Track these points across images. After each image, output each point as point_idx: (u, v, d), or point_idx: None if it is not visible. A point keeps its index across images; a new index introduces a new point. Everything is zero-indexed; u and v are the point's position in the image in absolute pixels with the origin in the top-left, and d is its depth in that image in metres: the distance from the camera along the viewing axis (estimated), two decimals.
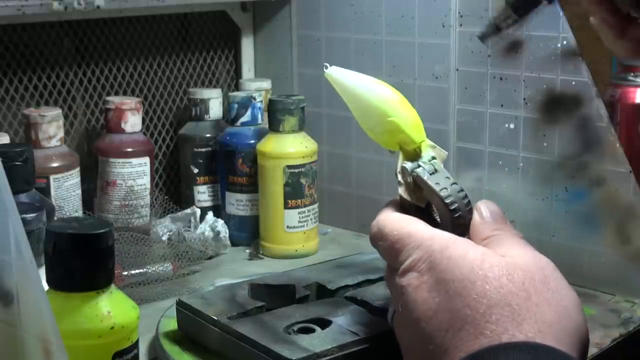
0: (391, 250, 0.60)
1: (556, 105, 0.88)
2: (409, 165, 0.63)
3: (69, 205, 0.94)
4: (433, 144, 0.65)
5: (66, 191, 0.94)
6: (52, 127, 0.93)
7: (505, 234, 0.60)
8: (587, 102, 0.86)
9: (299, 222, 1.01)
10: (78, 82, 1.06)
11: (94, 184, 1.02)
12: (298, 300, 0.75)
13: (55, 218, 0.83)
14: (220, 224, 1.01)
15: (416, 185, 0.63)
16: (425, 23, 0.98)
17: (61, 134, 0.95)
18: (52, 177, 0.92)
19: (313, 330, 0.68)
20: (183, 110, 1.16)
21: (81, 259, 0.54)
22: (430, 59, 0.98)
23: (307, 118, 1.02)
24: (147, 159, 1.02)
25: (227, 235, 1.01)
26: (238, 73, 1.21)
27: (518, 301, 0.53)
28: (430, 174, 0.62)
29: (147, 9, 1.07)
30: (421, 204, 0.64)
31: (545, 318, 0.52)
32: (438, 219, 0.63)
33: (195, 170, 1.09)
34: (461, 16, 0.95)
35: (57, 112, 0.95)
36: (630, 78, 1.16)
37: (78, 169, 0.96)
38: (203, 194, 1.09)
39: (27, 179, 0.79)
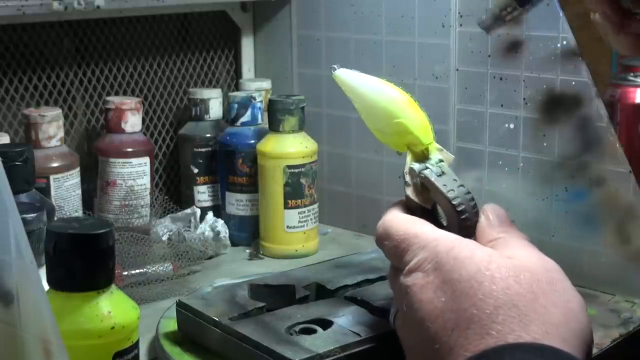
0: (396, 250, 0.60)
1: (556, 105, 0.88)
2: (416, 166, 0.64)
3: (69, 205, 0.94)
4: (440, 146, 0.65)
5: (66, 191, 0.94)
6: (52, 127, 0.93)
7: (511, 236, 0.60)
8: (587, 102, 0.86)
9: (299, 222, 1.01)
10: (78, 82, 1.06)
11: (94, 184, 1.02)
12: (298, 301, 0.75)
13: (55, 218, 0.83)
14: (220, 224, 1.01)
15: (423, 186, 0.63)
16: (425, 23, 0.98)
17: (61, 134, 0.95)
18: (52, 177, 0.92)
19: (315, 331, 0.68)
20: (183, 110, 1.16)
21: (82, 259, 0.54)
22: (430, 59, 0.98)
23: (307, 118, 1.02)
24: (147, 159, 1.02)
25: (227, 235, 1.01)
26: (238, 73, 1.21)
27: (525, 302, 0.53)
28: (438, 176, 0.63)
29: (147, 9, 1.07)
30: (427, 205, 0.64)
31: (551, 319, 0.52)
32: (443, 222, 0.64)
33: (195, 170, 1.09)
34: (461, 16, 0.95)
35: (57, 112, 0.95)
36: (630, 78, 1.16)
37: (78, 169, 0.96)
38: (203, 194, 1.09)
39: (27, 179, 0.79)
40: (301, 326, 0.69)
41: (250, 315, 0.71)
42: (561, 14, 0.86)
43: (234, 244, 1.03)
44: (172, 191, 1.15)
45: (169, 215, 1.02)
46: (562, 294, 0.55)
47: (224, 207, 1.07)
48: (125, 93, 1.10)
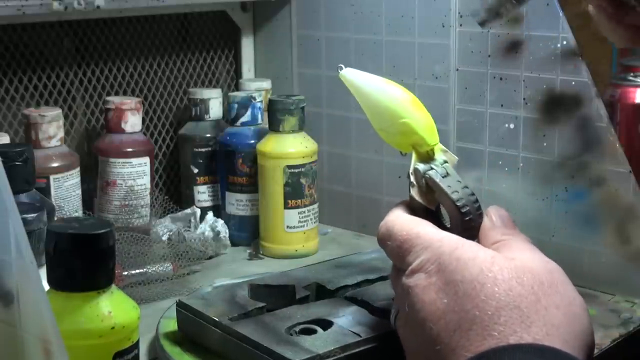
0: (399, 250, 0.60)
1: (556, 105, 0.88)
2: (421, 167, 0.64)
3: (69, 205, 0.94)
4: (445, 148, 0.66)
5: (66, 191, 0.94)
6: (52, 127, 0.93)
7: (514, 239, 0.60)
8: (587, 102, 0.86)
9: (299, 222, 1.01)
10: (78, 82, 1.06)
11: (94, 184, 1.02)
12: (298, 301, 0.75)
13: (55, 218, 0.83)
14: (220, 224, 1.01)
15: (428, 187, 0.64)
16: (425, 23, 0.98)
17: (61, 134, 0.95)
18: (52, 177, 0.92)
19: (315, 331, 0.68)
20: (183, 110, 1.16)
21: (82, 259, 0.54)
22: (430, 59, 0.98)
23: (307, 118, 1.02)
24: (147, 159, 1.02)
25: (227, 235, 1.01)
26: (238, 73, 1.21)
27: (527, 304, 0.53)
28: (443, 177, 0.63)
29: (147, 9, 1.07)
30: (431, 206, 0.64)
31: (553, 321, 0.53)
32: (446, 223, 0.64)
33: (195, 170, 1.09)
34: (461, 16, 0.95)
35: (57, 112, 0.95)
36: (630, 78, 1.16)
37: (78, 169, 0.96)
38: (203, 194, 1.09)
39: (27, 179, 0.79)
40: (301, 326, 0.69)
41: (250, 316, 0.71)
42: (561, 14, 0.86)
43: (234, 244, 1.03)
44: (172, 191, 1.15)
45: (169, 215, 1.02)
46: (564, 296, 0.55)
47: (224, 207, 1.07)
48: (125, 93, 1.10)
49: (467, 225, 0.62)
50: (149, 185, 1.02)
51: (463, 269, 0.55)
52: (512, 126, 0.92)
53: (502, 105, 0.93)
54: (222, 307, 0.72)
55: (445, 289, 0.55)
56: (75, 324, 0.54)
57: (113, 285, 0.57)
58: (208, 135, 1.08)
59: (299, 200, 1.00)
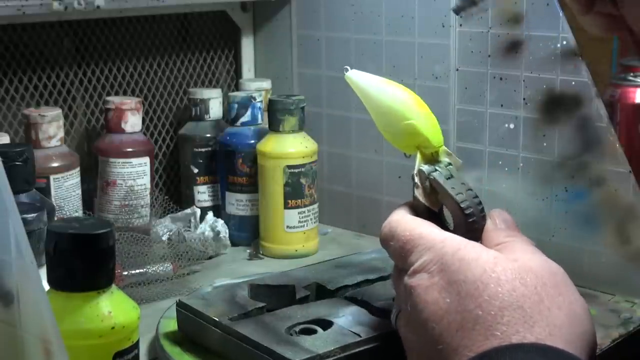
0: (402, 250, 0.60)
1: (556, 105, 0.88)
2: (426, 168, 0.64)
3: (69, 205, 0.94)
4: (449, 151, 0.66)
5: (66, 191, 0.94)
6: (52, 127, 0.93)
7: (517, 241, 0.61)
8: (587, 102, 0.86)
9: (299, 222, 1.01)
10: (78, 82, 1.06)
11: (94, 184, 1.02)
12: (298, 301, 0.75)
13: (56, 218, 0.83)
14: (220, 224, 1.01)
15: (432, 188, 0.64)
16: (425, 23, 0.98)
17: (61, 134, 0.95)
18: (52, 177, 0.92)
19: (315, 331, 0.68)
20: (183, 110, 1.16)
21: (82, 259, 0.54)
22: (430, 59, 0.98)
23: (307, 118, 1.02)
24: (147, 159, 1.02)
25: (227, 235, 1.01)
26: (238, 73, 1.21)
27: (530, 304, 0.53)
28: (447, 179, 0.63)
29: (147, 9, 1.07)
30: (435, 208, 0.64)
31: (556, 322, 0.53)
32: (449, 225, 0.64)
33: (195, 170, 1.09)
34: (461, 16, 0.95)
35: (57, 112, 0.95)
36: (630, 78, 1.16)
37: (78, 169, 0.96)
38: (203, 194, 1.09)
39: (27, 179, 0.79)
40: (301, 326, 0.69)
41: (251, 316, 0.71)
42: (561, 14, 0.86)
43: (234, 244, 1.03)
44: (172, 191, 1.15)
45: (169, 215, 1.02)
46: (567, 298, 0.55)
47: (224, 207, 1.07)
48: (125, 93, 1.10)
49: (471, 227, 0.62)
50: (149, 185, 1.02)
51: (466, 269, 0.56)
52: (512, 126, 0.92)
53: (502, 105, 0.93)
54: (222, 307, 0.72)
55: (448, 289, 0.55)
56: (75, 324, 0.54)
57: (113, 285, 0.57)
58: (208, 135, 1.08)
59: (299, 200, 1.00)
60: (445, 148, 0.66)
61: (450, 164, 0.65)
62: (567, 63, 0.86)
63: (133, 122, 1.01)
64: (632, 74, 1.16)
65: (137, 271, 0.89)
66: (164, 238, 0.97)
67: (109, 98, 1.02)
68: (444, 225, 0.64)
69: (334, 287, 0.77)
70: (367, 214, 1.09)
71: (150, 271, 0.90)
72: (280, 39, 1.16)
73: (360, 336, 0.67)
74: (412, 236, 0.60)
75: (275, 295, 0.76)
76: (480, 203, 0.63)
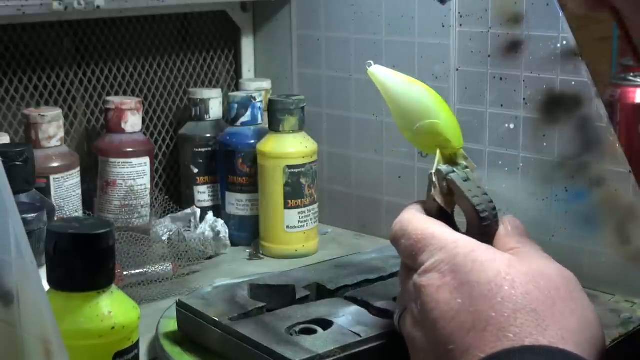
0: (412, 249, 0.60)
1: (556, 105, 0.88)
2: (444, 168, 0.64)
3: (69, 205, 0.94)
4: (466, 154, 0.66)
5: (66, 191, 0.94)
6: (52, 127, 0.93)
7: (529, 247, 0.61)
8: (587, 102, 0.86)
9: (299, 222, 1.01)
10: (78, 82, 1.06)
11: (94, 184, 1.02)
12: (298, 301, 0.75)
13: (56, 218, 0.83)
14: (220, 224, 1.01)
15: (448, 189, 0.64)
16: (425, 23, 0.98)
17: (61, 134, 0.95)
18: (52, 177, 0.92)
19: (315, 331, 0.68)
20: (183, 110, 1.16)
21: (82, 259, 0.54)
22: (430, 59, 0.98)
23: (307, 118, 1.02)
24: (147, 159, 1.02)
25: (227, 235, 1.01)
26: (238, 73, 1.21)
27: (543, 308, 0.54)
28: (464, 181, 0.63)
29: (147, 9, 1.07)
30: (449, 209, 0.64)
31: (568, 326, 0.53)
32: (460, 228, 0.64)
33: (195, 170, 1.09)
34: (461, 16, 0.95)
35: (57, 112, 0.95)
36: (630, 78, 1.16)
37: (78, 169, 0.96)
38: (203, 194, 1.09)
39: (27, 179, 0.79)
40: (301, 326, 0.69)
41: (251, 316, 0.71)
42: (561, 14, 0.86)
43: (234, 244, 1.03)
44: (172, 191, 1.15)
45: (169, 215, 1.02)
46: (579, 303, 0.56)
47: (224, 207, 1.07)
48: (125, 93, 1.10)
49: (484, 230, 0.62)
50: (149, 185, 1.02)
51: (480, 271, 0.56)
52: (512, 126, 0.92)
53: (502, 105, 0.93)
54: (222, 307, 0.72)
55: (460, 290, 0.56)
56: (75, 324, 0.54)
57: (113, 285, 0.57)
58: (208, 135, 1.08)
59: (299, 200, 1.00)
60: (463, 151, 0.66)
61: (466, 166, 0.65)
62: (567, 63, 0.86)
63: (133, 122, 1.01)
64: (632, 74, 1.16)
65: (137, 271, 0.89)
66: (164, 238, 0.97)
67: (109, 98, 1.02)
68: (455, 227, 0.64)
69: (334, 287, 0.77)
70: (367, 214, 1.09)
71: (150, 271, 0.90)
72: (280, 39, 1.16)
73: (361, 336, 0.67)
74: (424, 235, 0.60)
75: (275, 295, 0.76)
76: (494, 208, 0.63)
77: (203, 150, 1.08)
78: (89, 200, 1.01)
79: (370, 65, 0.68)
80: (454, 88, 0.97)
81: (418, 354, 0.59)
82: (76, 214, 0.95)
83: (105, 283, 0.56)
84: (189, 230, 1.00)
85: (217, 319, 0.70)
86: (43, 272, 0.54)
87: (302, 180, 1.00)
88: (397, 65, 1.02)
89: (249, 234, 1.05)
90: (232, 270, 0.96)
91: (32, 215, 0.68)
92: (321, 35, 1.10)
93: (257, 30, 1.20)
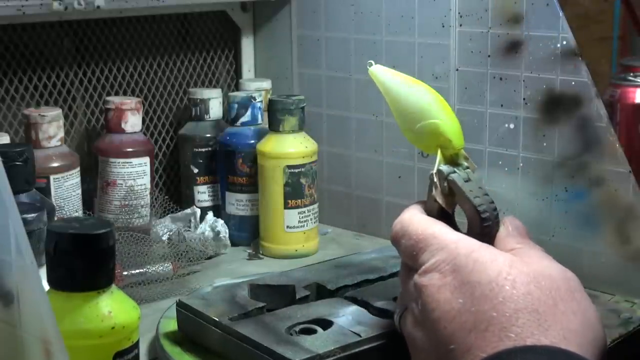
0: (413, 249, 0.60)
1: (556, 105, 0.88)
2: (445, 168, 0.64)
3: (69, 205, 0.94)
4: (467, 155, 0.66)
5: (66, 191, 0.94)
6: (52, 127, 0.93)
7: (530, 247, 0.61)
8: (587, 102, 0.86)
9: (299, 222, 1.01)
10: (78, 82, 1.06)
11: (94, 184, 1.02)
12: (298, 301, 0.75)
13: (56, 218, 0.83)
14: (220, 224, 1.01)
15: (449, 189, 0.64)
16: (425, 23, 0.98)
17: (61, 134, 0.95)
18: (52, 177, 0.92)
19: (315, 331, 0.68)
20: (183, 110, 1.16)
21: (82, 258, 0.54)
22: (430, 59, 0.98)
23: (307, 118, 1.02)
24: (147, 159, 1.02)
25: (227, 235, 1.01)
26: (238, 73, 1.21)
27: (545, 308, 0.54)
28: (465, 181, 0.63)
29: (147, 9, 1.07)
30: (450, 209, 0.64)
31: (570, 326, 0.53)
32: (460, 228, 0.64)
33: (195, 170, 1.09)
34: (461, 16, 0.95)
35: (57, 112, 0.95)
36: (630, 78, 1.16)
37: (78, 169, 0.96)
38: (203, 194, 1.09)
39: (28, 179, 0.79)
40: (301, 326, 0.69)
41: (251, 316, 0.71)
42: (561, 14, 0.86)
43: (234, 244, 1.03)
44: (172, 191, 1.15)
45: (169, 215, 1.02)
46: (580, 303, 0.56)
47: (224, 207, 1.07)
48: (125, 93, 1.10)
49: (485, 230, 0.62)
50: (149, 185, 1.02)
51: (481, 271, 0.56)
52: (512, 126, 0.92)
53: (502, 105, 0.93)
54: (222, 307, 0.72)
55: (461, 289, 0.56)
56: (75, 324, 0.54)
57: (113, 285, 0.57)
58: (208, 135, 1.08)
59: (299, 200, 1.00)
60: (464, 152, 0.66)
61: (467, 167, 0.65)
62: (567, 63, 0.86)
63: (133, 122, 1.01)
64: (632, 74, 1.16)
65: (137, 271, 0.89)
66: (164, 238, 0.97)
67: (109, 98, 1.02)
68: (455, 228, 0.64)
69: (334, 287, 0.77)
70: (367, 214, 1.09)
71: (150, 271, 0.90)
72: (280, 39, 1.16)
73: (361, 336, 0.67)
74: (425, 235, 0.60)
75: (275, 295, 0.76)
76: (495, 209, 0.63)
77: (203, 150, 1.08)
78: (89, 200, 1.01)
79: (371, 65, 0.68)
80: (454, 88, 0.97)
81: (419, 354, 0.59)
82: (76, 214, 0.95)
83: (105, 283, 0.56)
84: (189, 230, 1.00)
85: (217, 319, 0.70)
86: (43, 272, 0.54)
87: (302, 180, 1.00)
88: (397, 65, 1.02)
89: (249, 234, 1.05)
90: (232, 270, 0.96)
91: (32, 215, 0.68)
92: (321, 35, 1.10)
93: (257, 30, 1.20)
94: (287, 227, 1.01)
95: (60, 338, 0.46)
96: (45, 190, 0.91)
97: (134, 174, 1.00)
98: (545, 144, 0.90)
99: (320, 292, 0.77)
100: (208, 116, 1.09)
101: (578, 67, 0.86)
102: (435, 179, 0.64)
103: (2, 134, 0.93)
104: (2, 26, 0.97)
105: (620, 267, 0.86)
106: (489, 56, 0.93)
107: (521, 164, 0.92)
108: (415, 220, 0.62)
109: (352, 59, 1.06)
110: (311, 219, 1.02)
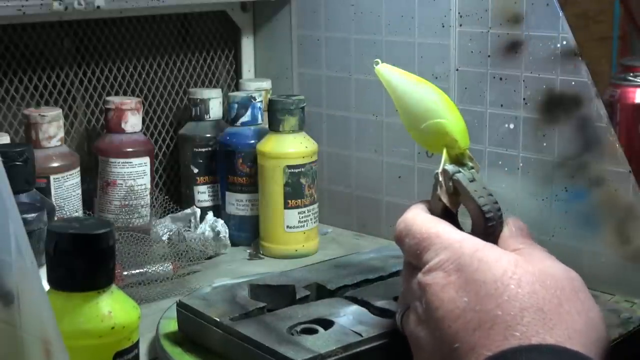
0: (417, 248, 0.60)
1: (556, 105, 0.88)
2: (450, 168, 0.64)
3: (69, 205, 0.94)
4: (471, 155, 0.66)
5: (66, 191, 0.94)
6: (52, 127, 0.93)
7: (533, 247, 0.61)
8: (586, 102, 0.86)
9: (299, 222, 1.01)
10: (78, 82, 1.06)
11: (94, 184, 1.02)
12: (298, 301, 0.75)
13: (56, 218, 0.83)
14: (220, 224, 1.01)
15: (454, 189, 0.64)
16: (425, 23, 0.98)
17: (61, 134, 0.95)
18: (52, 177, 0.92)
19: (316, 331, 0.68)
20: (183, 110, 1.16)
21: (82, 258, 0.54)
22: (430, 59, 0.98)
23: (307, 118, 1.02)
24: (147, 159, 1.02)
25: (227, 235, 1.01)
26: (238, 73, 1.21)
27: (550, 307, 0.54)
28: (470, 181, 0.63)
29: (147, 9, 1.07)
30: (454, 208, 0.64)
31: (575, 326, 0.53)
32: (463, 228, 0.64)
33: (195, 170, 1.09)
34: (461, 16, 0.95)
35: (57, 112, 0.95)
36: (630, 78, 1.16)
37: (78, 169, 0.96)
38: (203, 194, 1.09)
39: (28, 179, 0.79)
40: (302, 326, 0.69)
41: (251, 316, 0.71)
42: (561, 14, 0.86)
43: (234, 244, 1.03)
44: (172, 191, 1.15)
45: (169, 215, 1.02)
46: (584, 303, 0.56)
47: (224, 207, 1.07)
48: (125, 93, 1.10)
49: (489, 230, 0.62)
50: (149, 185, 1.02)
51: (486, 270, 0.56)
52: (512, 126, 0.92)
53: (502, 105, 0.93)
54: (223, 307, 0.72)
55: (465, 288, 0.56)
56: (75, 324, 0.54)
57: (113, 285, 0.57)
58: (208, 135, 1.08)
59: (299, 200, 1.00)
60: (469, 152, 0.66)
61: (472, 167, 0.65)
62: (567, 63, 0.86)
63: (133, 122, 1.01)
64: (632, 74, 1.16)
65: (137, 271, 0.89)
66: (164, 238, 0.97)
67: (109, 98, 1.02)
68: (458, 228, 0.64)
69: (333, 287, 0.77)
70: (367, 214, 1.09)
71: (150, 271, 0.90)
72: (280, 39, 1.16)
73: (362, 336, 0.67)
74: (429, 234, 0.60)
75: (275, 295, 0.76)
76: (499, 209, 0.63)
77: (203, 150, 1.08)
78: (89, 200, 1.01)
79: (377, 63, 0.68)
80: (454, 88, 0.97)
81: (422, 353, 0.58)
82: (76, 214, 0.95)
83: (105, 283, 0.56)
84: (189, 230, 1.00)
85: (218, 319, 0.70)
86: (43, 272, 0.54)
87: (302, 180, 1.00)
88: (397, 65, 1.02)
89: (249, 234, 1.05)
90: (232, 270, 0.96)
91: (32, 215, 0.68)
92: (321, 35, 1.10)
93: (257, 30, 1.20)
94: (287, 227, 1.01)
95: (60, 338, 0.46)
96: (45, 190, 0.91)
97: (134, 174, 1.00)
98: (545, 144, 0.90)
99: (320, 292, 0.77)
100: (208, 116, 1.09)
101: (578, 67, 0.86)
102: (441, 178, 0.64)
103: (2, 134, 0.93)
104: (2, 26, 0.97)
105: (620, 267, 0.86)
106: (489, 56, 0.93)
107: (521, 164, 0.92)
108: (419, 219, 0.62)
109: (352, 59, 1.06)
110: (311, 219, 1.02)
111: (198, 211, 1.03)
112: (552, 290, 0.55)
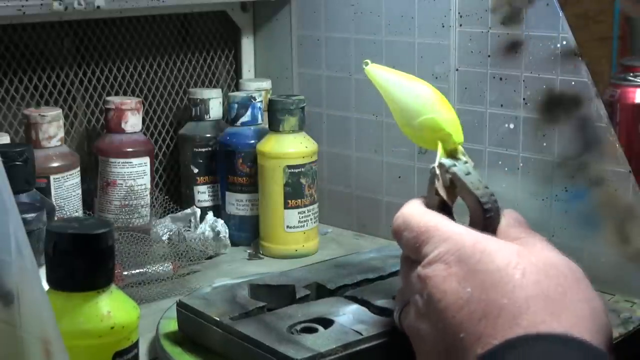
0: (416, 241, 0.60)
1: (556, 105, 0.88)
2: (447, 161, 0.64)
3: (69, 205, 0.94)
4: (464, 151, 0.66)
5: (66, 191, 0.94)
6: (52, 127, 0.93)
7: (533, 237, 0.61)
8: (586, 102, 0.86)
9: (299, 222, 1.01)
10: (78, 82, 1.06)
11: (94, 184, 1.02)
12: (298, 301, 0.75)
13: (56, 218, 0.83)
14: (220, 224, 1.01)
15: (451, 182, 0.64)
16: (425, 23, 0.98)
17: (61, 134, 0.95)
18: (52, 177, 0.92)
19: (316, 330, 0.68)
20: (183, 110, 1.16)
21: (82, 258, 0.54)
22: (430, 59, 0.98)
23: (307, 118, 1.02)
24: (147, 159, 1.02)
25: (227, 235, 1.01)
26: (238, 73, 1.21)
27: (555, 295, 0.54)
28: (466, 174, 0.63)
29: (147, 9, 1.07)
30: (451, 202, 0.64)
31: (580, 313, 0.54)
32: (462, 221, 0.64)
33: (195, 170, 1.09)
34: (461, 16, 0.95)
35: (57, 112, 0.95)
36: (630, 78, 1.16)
37: (78, 169, 0.96)
38: (203, 194, 1.09)
39: (28, 179, 0.79)
40: (302, 325, 0.69)
41: (251, 315, 0.71)
42: (561, 14, 0.86)
43: (234, 244, 1.03)
44: (172, 191, 1.15)
45: (169, 215, 1.02)
46: (586, 292, 0.56)
47: (224, 207, 1.07)
48: (125, 93, 1.10)
49: (487, 222, 0.62)
50: (149, 185, 1.02)
51: (489, 260, 0.56)
52: (512, 126, 0.92)
53: (502, 105, 0.93)
54: (223, 307, 0.72)
55: (468, 279, 0.56)
56: (75, 324, 0.54)
57: (113, 285, 0.57)
58: (208, 135, 1.08)
59: (299, 200, 1.00)
60: (462, 147, 0.66)
61: (466, 162, 0.65)
62: (567, 63, 0.86)
63: (133, 122, 1.01)
64: (632, 74, 1.16)
65: (137, 271, 0.89)
66: (164, 238, 0.97)
67: (109, 98, 1.02)
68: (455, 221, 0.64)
69: (333, 286, 0.77)
70: (367, 214, 1.09)
71: (150, 271, 0.90)
72: (280, 39, 1.16)
73: (362, 334, 0.67)
74: (427, 227, 0.60)
75: (275, 295, 0.76)
76: (496, 201, 0.63)
77: (203, 150, 1.08)
78: (89, 200, 1.01)
79: (367, 64, 0.69)
80: (454, 88, 0.97)
81: (424, 346, 0.58)
82: (76, 214, 0.95)
83: (104, 283, 0.56)
84: (189, 230, 1.00)
85: (218, 319, 0.70)
86: (43, 272, 0.54)
87: (302, 180, 1.00)
88: (397, 65, 1.02)
89: (249, 234, 1.05)
90: (232, 270, 0.96)
91: (32, 215, 0.68)
92: (321, 35, 1.10)
93: (257, 30, 1.20)
94: (287, 227, 1.01)
95: (60, 338, 0.46)
96: (45, 190, 0.91)
97: (134, 174, 1.00)
98: (545, 144, 0.90)
99: (320, 291, 0.77)
100: (208, 116, 1.09)
101: (578, 67, 0.86)
102: (437, 172, 0.64)
103: (2, 134, 0.93)
104: (2, 26, 0.97)
105: (620, 267, 0.86)
106: (489, 56, 0.93)
107: (521, 164, 0.92)
108: (417, 213, 0.62)
109: (352, 59, 1.06)
110: (311, 219, 1.02)
111: (198, 211, 1.03)
112: (555, 279, 0.55)
